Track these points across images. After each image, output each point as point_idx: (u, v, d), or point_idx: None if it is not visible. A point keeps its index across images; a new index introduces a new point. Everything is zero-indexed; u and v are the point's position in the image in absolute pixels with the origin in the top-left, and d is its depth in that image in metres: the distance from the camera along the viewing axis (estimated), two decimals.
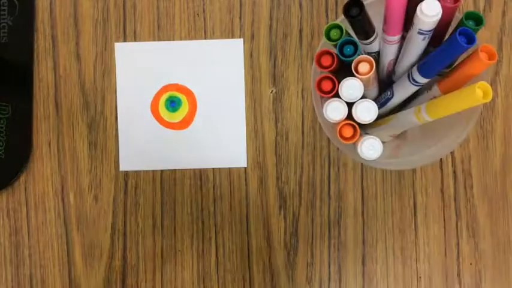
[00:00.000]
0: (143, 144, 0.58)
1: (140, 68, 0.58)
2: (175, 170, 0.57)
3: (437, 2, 0.38)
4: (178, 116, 0.58)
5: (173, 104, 0.58)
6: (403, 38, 0.45)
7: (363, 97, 0.43)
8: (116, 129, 0.58)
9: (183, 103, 0.58)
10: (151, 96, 0.58)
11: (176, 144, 0.58)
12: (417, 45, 0.42)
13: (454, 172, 0.57)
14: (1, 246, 0.57)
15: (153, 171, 0.58)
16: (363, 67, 0.42)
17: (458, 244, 0.57)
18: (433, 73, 0.43)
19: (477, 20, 0.40)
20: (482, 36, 0.57)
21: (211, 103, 0.58)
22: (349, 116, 0.44)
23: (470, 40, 0.39)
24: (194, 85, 0.58)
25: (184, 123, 0.58)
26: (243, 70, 0.58)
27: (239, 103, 0.58)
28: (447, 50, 0.40)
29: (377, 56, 0.48)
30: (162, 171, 0.58)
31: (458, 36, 0.38)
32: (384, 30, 0.44)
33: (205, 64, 0.58)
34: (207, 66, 0.58)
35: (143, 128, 0.58)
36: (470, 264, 0.57)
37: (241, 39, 0.58)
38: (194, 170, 0.58)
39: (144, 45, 0.58)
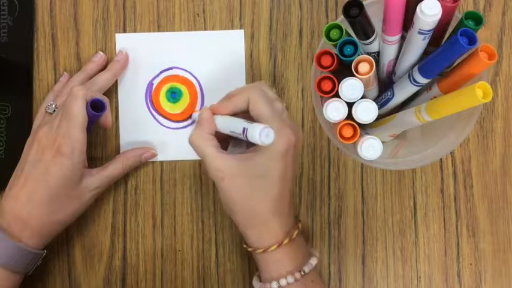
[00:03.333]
0: (144, 136, 0.58)
1: (141, 58, 0.58)
2: (175, 161, 0.57)
3: (437, 1, 0.38)
4: (179, 107, 0.58)
5: (174, 95, 0.58)
6: (402, 38, 0.45)
7: (363, 97, 0.43)
8: (117, 129, 0.58)
9: (183, 94, 0.58)
10: (153, 88, 0.58)
11: (176, 135, 0.58)
12: (417, 45, 0.42)
13: (454, 172, 0.57)
14: None
15: (153, 171, 0.58)
16: (363, 67, 0.42)
17: (458, 244, 0.57)
18: (434, 73, 0.43)
19: (477, 19, 0.40)
20: (482, 35, 0.57)
21: (212, 95, 0.58)
22: (349, 116, 0.44)
23: (472, 41, 0.39)
24: (195, 76, 0.58)
25: (185, 114, 0.58)
26: (244, 61, 0.58)
27: None
28: (448, 51, 0.40)
29: (377, 56, 0.48)
30: (162, 170, 0.58)
31: (459, 37, 0.38)
32: (383, 30, 0.44)
33: (207, 55, 0.58)
34: (208, 57, 0.58)
35: (144, 120, 0.58)
36: (470, 264, 0.57)
37: (242, 30, 0.58)
38: (194, 169, 0.58)
39: (144, 35, 0.58)
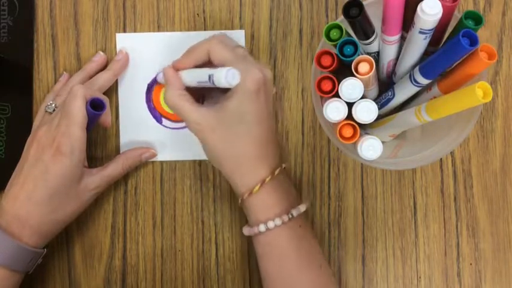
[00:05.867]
0: (144, 136, 0.58)
1: (141, 58, 0.58)
2: (175, 161, 0.57)
3: (438, 1, 0.38)
4: None
5: None
6: (402, 39, 0.45)
7: (363, 97, 0.43)
8: (117, 129, 0.58)
9: None
10: (153, 88, 0.58)
11: (176, 135, 0.58)
12: (418, 45, 0.43)
13: (454, 172, 0.57)
14: None
15: (153, 171, 0.58)
16: (363, 67, 0.42)
17: (458, 244, 0.57)
18: (435, 74, 0.43)
19: (476, 19, 0.41)
20: (482, 35, 0.57)
21: None
22: (349, 116, 0.44)
23: (473, 42, 0.39)
24: None
25: None
26: None
27: None
28: (449, 52, 0.40)
29: (377, 56, 0.48)
30: (162, 170, 0.58)
31: (461, 38, 0.38)
32: (383, 31, 0.44)
33: None
34: None
35: (144, 120, 0.58)
36: (470, 264, 0.57)
37: (243, 31, 0.58)
38: (194, 169, 0.58)
39: (144, 35, 0.58)
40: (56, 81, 0.58)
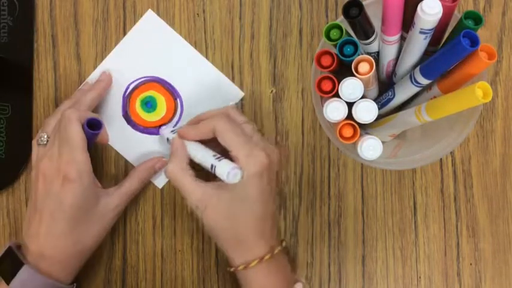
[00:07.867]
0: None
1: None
2: None
3: (438, 1, 0.38)
4: (156, 116, 0.57)
5: (148, 105, 0.57)
6: (402, 39, 0.45)
7: (363, 97, 0.43)
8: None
9: (158, 103, 0.57)
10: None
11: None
12: (418, 44, 0.43)
13: (454, 172, 0.57)
14: (1, 246, 0.57)
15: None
16: (363, 67, 0.42)
17: (458, 244, 0.57)
18: (436, 75, 0.43)
19: (476, 19, 0.41)
20: (482, 35, 0.57)
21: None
22: (349, 116, 0.44)
23: (474, 42, 0.39)
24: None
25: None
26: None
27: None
28: (450, 52, 0.40)
29: (377, 56, 0.48)
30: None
31: (462, 38, 0.38)
32: (382, 30, 0.44)
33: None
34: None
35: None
36: (470, 264, 0.57)
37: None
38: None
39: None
40: (55, 81, 0.58)
